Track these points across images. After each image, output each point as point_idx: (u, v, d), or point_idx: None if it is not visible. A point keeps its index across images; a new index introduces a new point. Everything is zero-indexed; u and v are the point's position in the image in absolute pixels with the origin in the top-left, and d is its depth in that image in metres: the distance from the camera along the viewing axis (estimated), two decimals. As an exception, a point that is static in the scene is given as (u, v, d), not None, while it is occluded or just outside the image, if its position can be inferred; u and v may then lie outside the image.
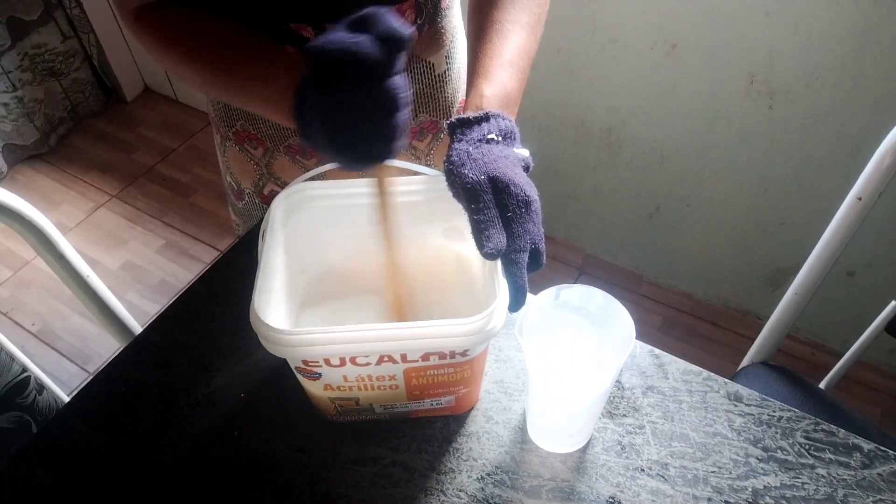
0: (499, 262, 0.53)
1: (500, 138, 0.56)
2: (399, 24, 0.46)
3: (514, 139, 0.58)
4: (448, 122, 0.58)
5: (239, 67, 0.58)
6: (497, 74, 0.60)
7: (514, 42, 0.63)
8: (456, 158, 0.54)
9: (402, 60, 0.48)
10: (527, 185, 0.53)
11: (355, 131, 0.48)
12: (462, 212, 0.54)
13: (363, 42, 0.45)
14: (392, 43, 0.46)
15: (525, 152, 0.57)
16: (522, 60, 0.63)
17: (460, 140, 0.56)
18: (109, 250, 2.01)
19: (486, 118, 0.57)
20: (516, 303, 0.52)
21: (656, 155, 1.57)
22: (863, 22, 1.15)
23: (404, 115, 0.49)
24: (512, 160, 0.55)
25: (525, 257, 0.52)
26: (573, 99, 1.57)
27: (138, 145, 2.31)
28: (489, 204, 0.52)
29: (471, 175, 0.53)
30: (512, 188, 0.52)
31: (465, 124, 0.57)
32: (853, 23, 1.16)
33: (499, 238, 0.51)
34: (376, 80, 0.47)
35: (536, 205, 0.53)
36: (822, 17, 1.18)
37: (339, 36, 0.46)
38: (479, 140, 0.55)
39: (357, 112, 0.47)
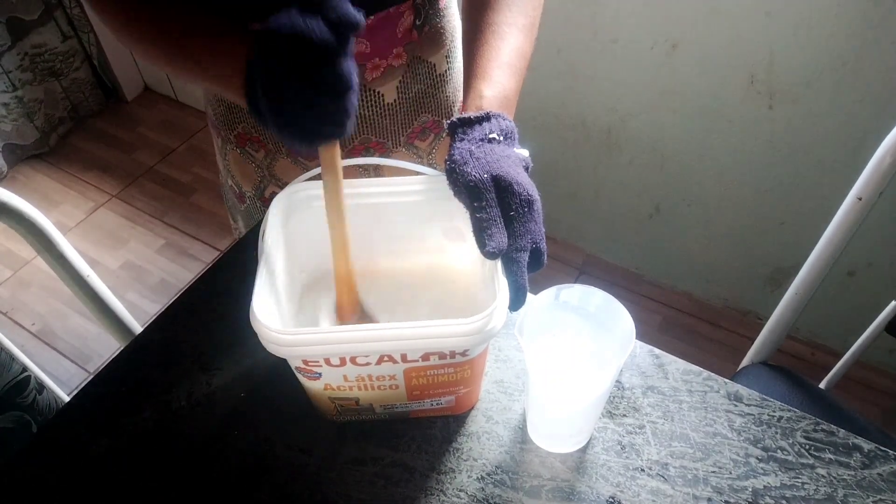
0: (499, 261, 0.53)
1: (501, 138, 0.56)
2: (351, 8, 0.46)
3: (514, 139, 0.58)
4: (448, 121, 0.58)
5: (192, 44, 0.58)
6: (495, 76, 0.61)
7: (511, 44, 0.63)
8: (458, 157, 0.54)
9: (352, 44, 0.48)
10: (529, 185, 0.53)
11: (303, 113, 0.49)
12: (462, 211, 0.54)
13: (314, 25, 0.45)
14: (343, 27, 0.46)
15: (525, 153, 0.57)
16: (519, 62, 0.63)
17: (462, 139, 0.56)
18: (109, 250, 2.01)
19: (487, 118, 0.57)
20: (516, 302, 0.52)
21: (656, 155, 1.57)
22: (863, 22, 1.15)
23: (353, 97, 0.49)
24: (513, 160, 0.55)
25: (526, 257, 0.52)
26: (573, 99, 1.57)
27: (138, 145, 2.31)
28: (491, 203, 0.52)
29: (474, 173, 0.53)
30: (515, 187, 0.52)
31: (467, 123, 0.57)
32: (853, 23, 1.16)
33: (500, 237, 0.51)
34: (326, 63, 0.47)
35: (538, 204, 0.53)
36: (822, 18, 1.18)
37: (291, 18, 0.46)
38: (481, 139, 0.55)
39: (305, 95, 0.48)
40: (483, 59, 0.62)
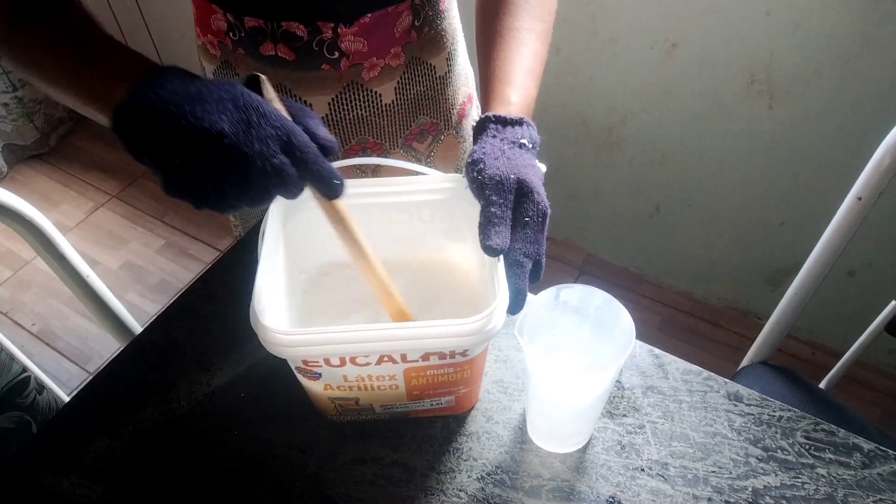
0: (500, 263, 0.53)
1: (530, 146, 0.57)
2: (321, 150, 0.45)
3: (537, 151, 0.59)
4: (483, 114, 0.59)
5: (74, 60, 0.49)
6: (520, 82, 0.62)
7: (532, 49, 0.65)
8: (490, 151, 0.55)
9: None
10: (546, 199, 0.55)
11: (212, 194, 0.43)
12: (462, 212, 0.54)
13: (282, 161, 0.42)
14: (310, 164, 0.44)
15: (543, 168, 0.59)
16: (539, 68, 0.65)
17: (494, 136, 0.57)
18: (109, 250, 2.01)
19: (520, 122, 0.58)
20: (515, 305, 0.52)
21: (656, 154, 1.57)
22: (863, 22, 1.15)
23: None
24: (536, 171, 0.56)
25: (530, 264, 0.53)
26: (574, 99, 1.57)
27: (138, 145, 2.31)
28: (508, 204, 0.53)
29: (503, 170, 0.54)
30: (535, 196, 0.54)
31: (502, 122, 0.58)
32: (853, 23, 1.16)
33: (505, 236, 0.52)
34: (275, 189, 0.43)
35: (547, 221, 0.55)
36: (822, 17, 1.18)
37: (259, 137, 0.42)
38: (513, 142, 0.57)
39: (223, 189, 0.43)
40: (507, 63, 0.63)
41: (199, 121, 0.41)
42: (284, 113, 0.45)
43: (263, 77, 0.47)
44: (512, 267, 0.52)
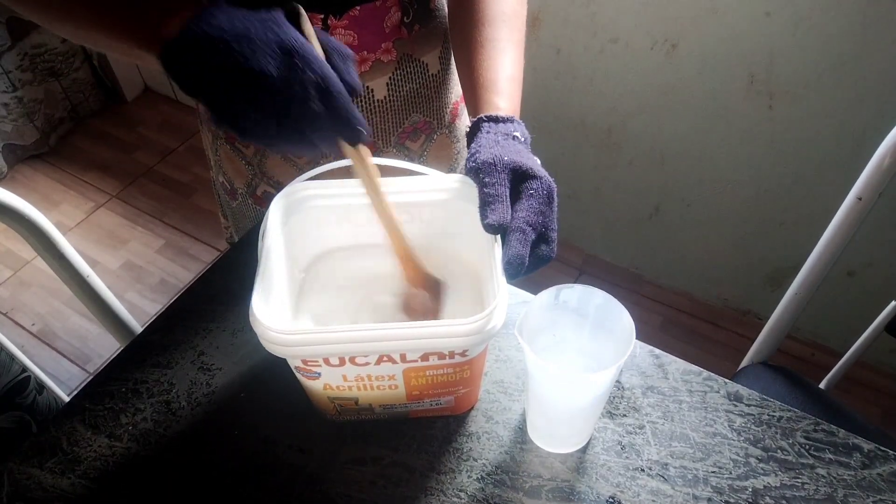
0: (499, 263, 0.53)
1: (522, 139, 0.60)
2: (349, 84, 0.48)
3: (528, 145, 0.61)
4: (476, 117, 0.62)
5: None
6: (506, 89, 0.64)
7: (512, 59, 0.67)
8: (484, 142, 0.58)
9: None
10: (548, 177, 0.57)
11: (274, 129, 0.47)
12: (462, 214, 0.55)
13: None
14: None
15: (537, 160, 0.60)
16: (520, 76, 0.68)
17: (489, 132, 0.60)
18: (109, 250, 2.01)
19: (511, 120, 0.61)
20: (512, 269, 0.52)
21: (656, 155, 1.57)
22: (863, 22, 1.15)
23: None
24: (531, 158, 0.59)
25: (532, 233, 0.54)
26: (573, 99, 1.57)
27: (138, 145, 2.32)
28: (502, 183, 0.55)
29: (495, 153, 0.56)
30: (536, 172, 0.56)
31: (494, 120, 0.61)
32: (853, 23, 1.16)
33: (503, 212, 0.53)
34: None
35: (555, 196, 0.57)
36: (822, 17, 1.18)
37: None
38: (506, 134, 0.59)
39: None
40: (491, 72, 0.65)
41: (247, 61, 0.44)
42: (320, 50, 0.48)
43: (303, 12, 0.49)
44: (514, 233, 0.53)
